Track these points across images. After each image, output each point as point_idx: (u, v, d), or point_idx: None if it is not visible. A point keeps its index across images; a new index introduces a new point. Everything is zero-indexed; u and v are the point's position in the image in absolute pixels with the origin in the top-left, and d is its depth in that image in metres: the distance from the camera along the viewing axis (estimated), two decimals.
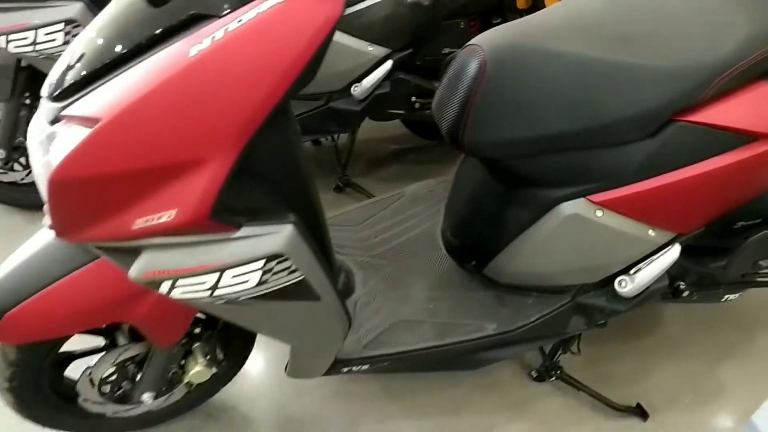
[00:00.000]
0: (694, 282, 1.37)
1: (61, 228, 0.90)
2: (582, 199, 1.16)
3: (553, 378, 1.54)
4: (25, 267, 1.02)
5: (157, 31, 0.81)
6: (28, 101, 1.70)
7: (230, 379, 1.41)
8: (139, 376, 1.24)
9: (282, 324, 1.03)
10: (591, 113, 1.08)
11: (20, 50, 1.46)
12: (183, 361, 1.27)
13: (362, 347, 1.23)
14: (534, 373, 1.58)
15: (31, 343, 1.09)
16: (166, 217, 0.83)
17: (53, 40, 1.45)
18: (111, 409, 1.29)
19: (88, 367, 1.21)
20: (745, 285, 1.43)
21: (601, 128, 1.09)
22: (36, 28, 1.43)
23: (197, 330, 1.23)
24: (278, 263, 0.90)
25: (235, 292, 0.91)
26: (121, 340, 1.23)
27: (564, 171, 1.15)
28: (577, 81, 1.08)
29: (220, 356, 1.28)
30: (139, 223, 0.84)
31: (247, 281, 0.90)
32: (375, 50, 1.75)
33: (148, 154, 0.80)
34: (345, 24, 1.65)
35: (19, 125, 1.70)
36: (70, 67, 0.87)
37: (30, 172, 1.84)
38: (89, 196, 0.84)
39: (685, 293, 1.37)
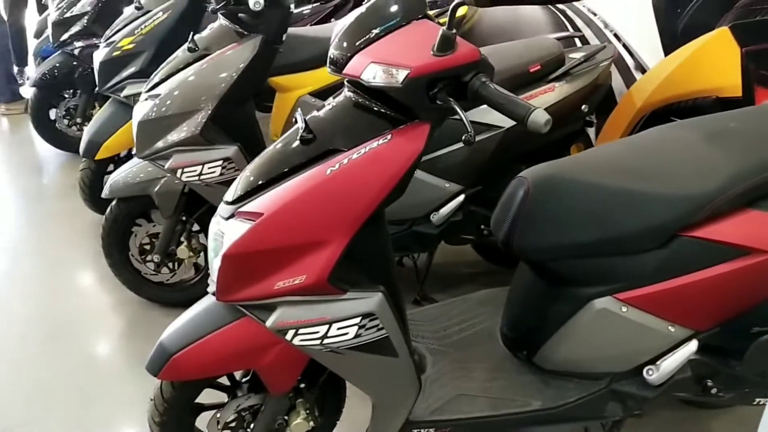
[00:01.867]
0: (722, 382, 1.57)
1: (222, 291, 1.31)
2: (609, 297, 1.45)
3: None
4: (189, 322, 1.41)
5: (305, 160, 1.25)
6: (183, 218, 2.23)
7: None
8: (252, 426, 1.57)
9: (367, 374, 1.35)
10: (612, 227, 1.42)
11: (189, 179, 2.01)
12: (287, 417, 1.59)
13: (429, 413, 1.51)
14: None
15: (185, 383, 1.46)
16: (299, 280, 1.22)
17: (214, 173, 1.99)
18: None
19: (216, 411, 1.56)
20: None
21: (620, 239, 1.42)
22: (203, 163, 1.98)
23: (302, 385, 1.57)
24: (370, 321, 1.26)
25: (337, 342, 1.27)
26: (241, 394, 1.58)
27: (594, 272, 1.46)
28: (600, 203, 1.44)
29: (317, 413, 1.60)
30: (279, 285, 1.24)
31: (347, 333, 1.26)
32: (451, 186, 2.17)
33: (292, 237, 1.21)
34: (428, 165, 2.10)
35: (174, 237, 2.22)
36: (243, 183, 1.32)
37: (174, 274, 2.33)
38: (248, 266, 1.25)
39: (713, 390, 1.57)
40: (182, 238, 2.22)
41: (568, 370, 1.57)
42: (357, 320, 1.26)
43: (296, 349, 1.31)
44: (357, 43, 1.19)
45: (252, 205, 1.26)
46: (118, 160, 2.80)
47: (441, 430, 1.51)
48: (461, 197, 2.19)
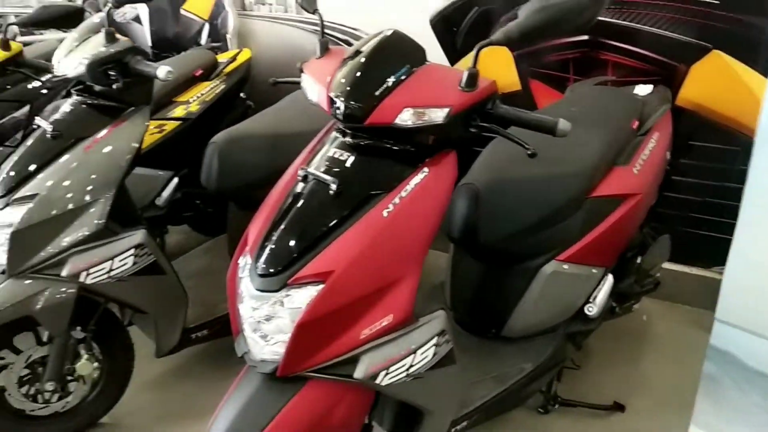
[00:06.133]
0: (619, 300, 2.07)
1: (290, 363, 1.26)
2: (554, 261, 1.80)
3: (556, 406, 2.09)
4: (245, 411, 1.29)
5: (346, 212, 1.29)
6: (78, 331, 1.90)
7: None
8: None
9: (438, 393, 1.45)
10: (546, 206, 1.77)
11: (97, 280, 1.72)
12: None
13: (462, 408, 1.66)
14: (541, 409, 2.10)
15: None
16: (386, 321, 1.27)
17: (126, 265, 1.75)
18: None
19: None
20: (640, 294, 2.18)
21: (554, 213, 1.77)
22: (112, 258, 1.71)
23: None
24: (441, 337, 1.37)
25: (420, 367, 1.34)
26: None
27: (540, 245, 1.79)
28: (535, 189, 1.77)
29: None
30: (365, 333, 1.26)
31: (426, 356, 1.35)
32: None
33: (368, 284, 1.25)
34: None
35: (67, 355, 1.88)
36: (272, 255, 1.28)
37: (69, 398, 1.96)
38: (326, 327, 1.25)
39: (616, 309, 2.06)
40: (82, 351, 1.89)
41: (534, 332, 1.88)
42: (435, 340, 1.35)
43: (363, 391, 1.35)
44: (377, 94, 1.28)
45: (314, 266, 1.25)
46: None
47: (471, 418, 1.67)
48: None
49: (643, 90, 2.26)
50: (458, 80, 1.28)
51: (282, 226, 1.32)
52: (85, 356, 1.88)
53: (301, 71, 1.75)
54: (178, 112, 2.58)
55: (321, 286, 1.23)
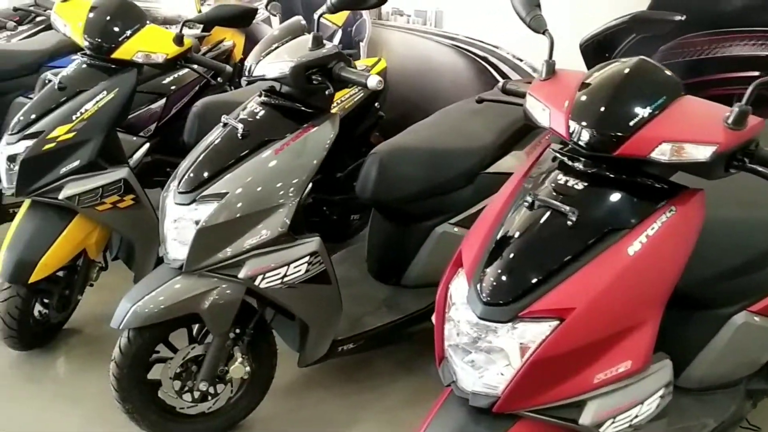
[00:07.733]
0: None
1: (510, 400, 1.19)
2: (744, 311, 1.68)
3: None
4: None
5: (583, 246, 1.21)
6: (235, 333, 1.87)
7: None
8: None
9: None
10: (745, 252, 1.64)
11: (270, 285, 1.70)
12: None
13: None
14: None
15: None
16: (623, 367, 1.18)
17: (299, 272, 1.71)
18: None
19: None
20: None
21: (751, 261, 1.64)
22: (287, 264, 1.69)
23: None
24: (667, 388, 1.28)
25: (643, 418, 1.25)
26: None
27: (732, 293, 1.67)
28: (733, 238, 1.64)
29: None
30: (599, 377, 1.18)
31: (651, 407, 1.25)
32: None
33: (610, 325, 1.17)
34: None
35: (223, 356, 1.85)
36: (507, 282, 1.21)
37: (218, 399, 1.93)
38: (559, 366, 1.17)
39: None
40: (237, 354, 1.86)
41: (712, 385, 1.75)
42: (662, 391, 1.26)
43: None
44: (631, 124, 1.20)
45: (549, 301, 1.17)
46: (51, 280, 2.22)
47: None
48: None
49: None
50: (722, 116, 1.19)
51: (510, 254, 1.24)
52: (239, 359, 1.86)
53: (504, 91, 1.68)
54: None
55: (557, 323, 1.16)
